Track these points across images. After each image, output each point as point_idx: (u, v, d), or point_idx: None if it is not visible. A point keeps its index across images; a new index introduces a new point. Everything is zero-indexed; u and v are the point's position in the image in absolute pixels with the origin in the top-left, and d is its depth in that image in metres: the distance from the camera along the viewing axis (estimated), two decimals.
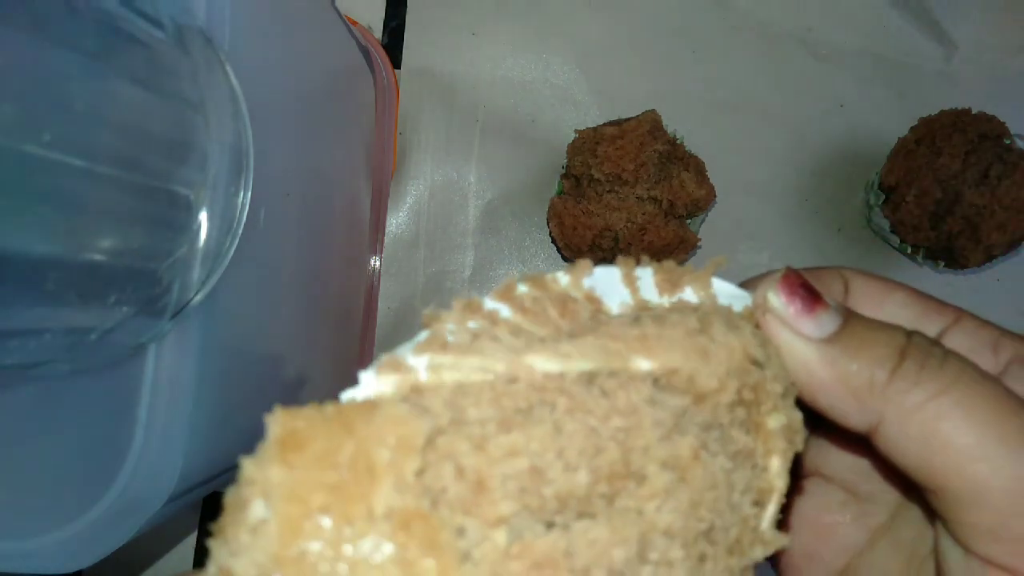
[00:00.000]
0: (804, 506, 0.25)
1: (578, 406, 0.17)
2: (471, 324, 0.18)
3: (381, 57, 0.61)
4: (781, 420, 0.20)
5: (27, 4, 0.22)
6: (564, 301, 0.19)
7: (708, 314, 0.20)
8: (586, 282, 0.20)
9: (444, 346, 0.18)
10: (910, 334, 0.20)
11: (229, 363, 0.34)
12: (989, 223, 0.54)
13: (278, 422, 0.16)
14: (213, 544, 0.16)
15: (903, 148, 0.58)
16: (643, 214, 0.54)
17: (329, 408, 0.16)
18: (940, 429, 0.18)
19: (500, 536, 0.16)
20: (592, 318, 0.19)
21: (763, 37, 0.64)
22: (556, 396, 0.17)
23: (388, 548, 0.15)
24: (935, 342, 0.20)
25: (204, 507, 0.60)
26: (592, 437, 0.17)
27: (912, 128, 0.59)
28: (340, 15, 0.50)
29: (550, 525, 0.16)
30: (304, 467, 0.15)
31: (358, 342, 0.58)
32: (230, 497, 0.16)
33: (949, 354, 0.19)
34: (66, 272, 0.25)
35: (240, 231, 0.31)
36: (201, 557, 0.60)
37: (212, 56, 0.30)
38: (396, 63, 0.63)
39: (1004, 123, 0.56)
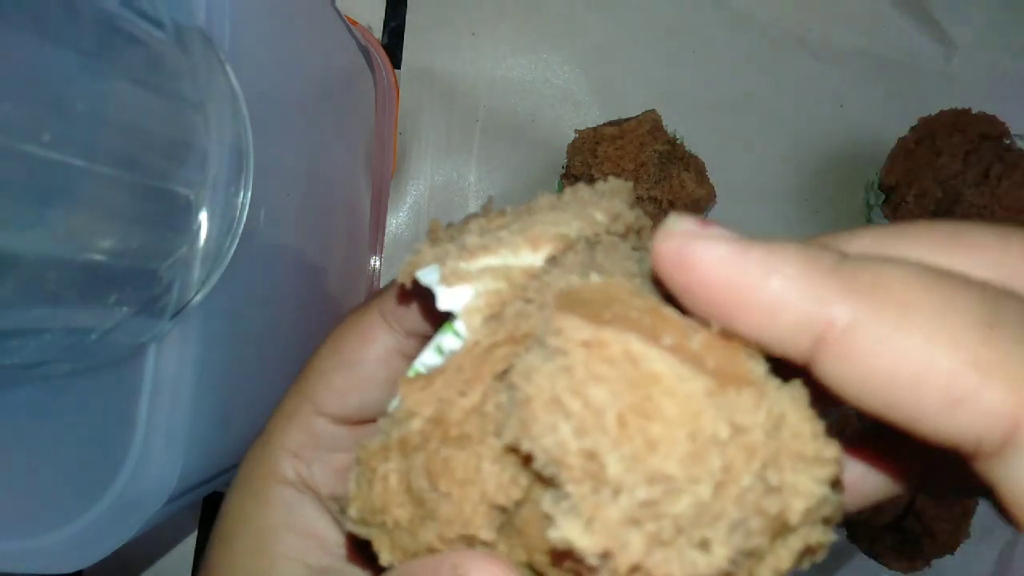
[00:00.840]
0: None
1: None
2: (466, 238, 0.20)
3: (381, 57, 0.61)
4: None
5: (27, 4, 0.22)
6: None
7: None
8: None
9: (474, 252, 0.19)
10: None
11: (229, 363, 0.34)
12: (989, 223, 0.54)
13: (575, 328, 0.16)
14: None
15: (903, 148, 0.58)
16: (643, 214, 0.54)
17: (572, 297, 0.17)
18: None
19: None
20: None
21: (763, 37, 0.64)
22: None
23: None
24: None
25: (204, 507, 0.60)
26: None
27: (912, 128, 0.59)
28: (340, 15, 0.50)
29: None
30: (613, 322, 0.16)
31: None
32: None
33: None
34: (66, 272, 0.25)
35: (240, 231, 0.31)
36: (201, 557, 0.60)
37: (212, 56, 0.30)
38: (396, 63, 0.63)
39: (1004, 123, 0.56)
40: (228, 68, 0.30)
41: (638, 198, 0.54)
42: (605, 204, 0.20)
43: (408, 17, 0.64)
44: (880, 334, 0.14)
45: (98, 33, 0.25)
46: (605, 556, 0.15)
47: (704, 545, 0.15)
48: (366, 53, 0.56)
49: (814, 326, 0.14)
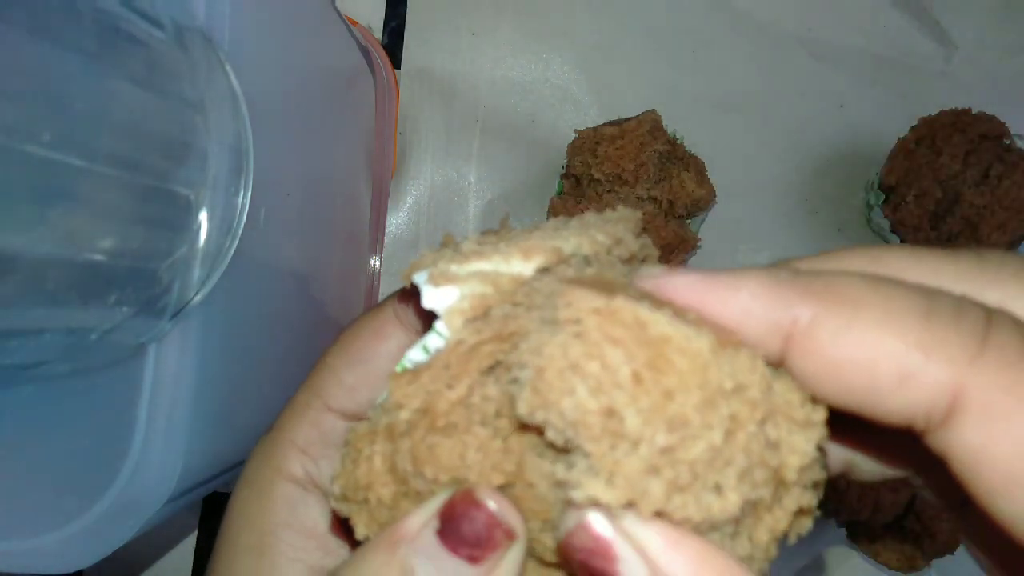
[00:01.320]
0: None
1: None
2: (465, 246, 0.20)
3: (381, 57, 0.61)
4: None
5: (27, 4, 0.22)
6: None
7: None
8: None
9: (467, 256, 0.20)
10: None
11: (229, 363, 0.34)
12: (989, 223, 0.54)
13: (586, 298, 0.17)
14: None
15: (903, 148, 0.58)
16: (643, 214, 0.54)
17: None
18: None
19: None
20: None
21: (763, 37, 0.64)
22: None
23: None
24: None
25: (204, 507, 0.60)
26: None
27: (912, 128, 0.59)
28: (340, 15, 0.50)
29: None
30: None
31: None
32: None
33: None
34: (66, 272, 0.25)
35: (240, 231, 0.31)
36: (201, 557, 0.60)
37: (212, 56, 0.30)
38: (396, 63, 0.63)
39: (1004, 123, 0.56)
40: (228, 68, 0.30)
41: (638, 198, 0.54)
42: (609, 228, 0.21)
43: (408, 17, 0.64)
44: (837, 326, 0.16)
45: (98, 33, 0.25)
46: (629, 506, 0.16)
47: (717, 489, 0.16)
48: (366, 53, 0.56)
49: (781, 327, 0.16)
